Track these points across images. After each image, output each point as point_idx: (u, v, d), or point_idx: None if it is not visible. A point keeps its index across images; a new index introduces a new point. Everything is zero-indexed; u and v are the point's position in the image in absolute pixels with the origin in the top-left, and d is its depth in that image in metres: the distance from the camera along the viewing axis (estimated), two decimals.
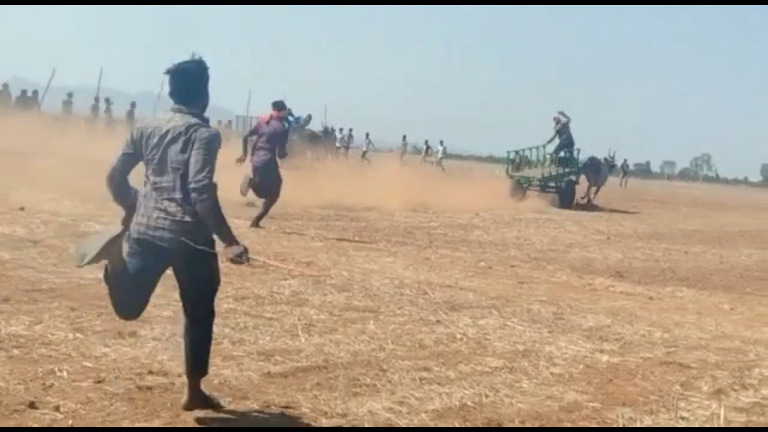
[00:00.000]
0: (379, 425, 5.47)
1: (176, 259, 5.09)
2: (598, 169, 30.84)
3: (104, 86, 41.34)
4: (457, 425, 5.60)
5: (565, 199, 28.49)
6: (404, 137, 52.21)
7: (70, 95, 39.14)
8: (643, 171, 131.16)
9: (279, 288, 9.08)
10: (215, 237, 5.06)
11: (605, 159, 32.66)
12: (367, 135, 51.25)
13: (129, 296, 5.31)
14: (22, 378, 5.58)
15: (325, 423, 5.41)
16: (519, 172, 29.76)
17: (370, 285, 9.87)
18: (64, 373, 5.74)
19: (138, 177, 5.27)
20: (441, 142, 52.90)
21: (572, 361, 7.36)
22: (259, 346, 6.83)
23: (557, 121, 29.92)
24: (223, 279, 9.12)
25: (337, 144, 46.52)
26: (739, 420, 6.20)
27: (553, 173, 29.36)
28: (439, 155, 50.91)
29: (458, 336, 7.90)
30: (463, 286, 10.56)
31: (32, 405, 5.11)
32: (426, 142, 54.67)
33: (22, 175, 17.56)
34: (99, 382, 5.65)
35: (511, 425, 5.71)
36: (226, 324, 7.26)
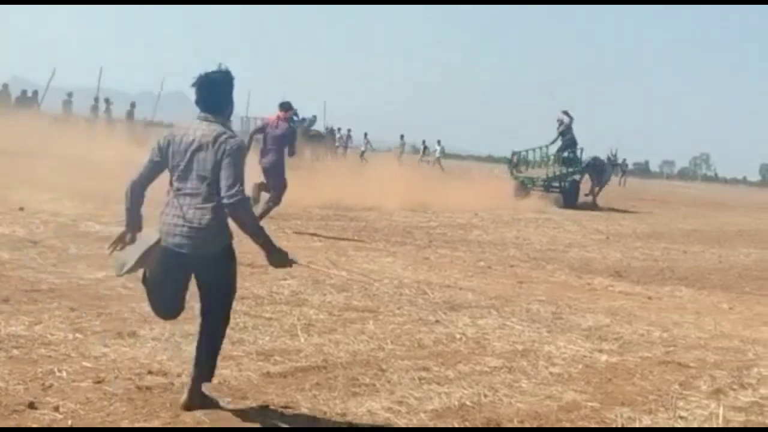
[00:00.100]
0: (379, 425, 5.48)
1: (194, 264, 5.18)
2: (602, 170, 30.92)
3: (104, 86, 41.35)
4: (456, 425, 5.61)
5: (569, 199, 28.60)
6: (402, 137, 52.19)
7: (70, 95, 39.12)
8: (642, 170, 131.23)
9: (278, 288, 9.08)
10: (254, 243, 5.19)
11: (608, 158, 32.70)
12: (366, 135, 51.28)
13: (164, 298, 5.43)
14: (21, 378, 5.58)
15: (324, 423, 5.42)
16: (523, 172, 29.85)
17: (370, 285, 9.87)
18: (64, 374, 5.75)
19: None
20: (438, 142, 52.89)
21: (571, 361, 7.37)
22: (258, 346, 6.84)
23: (560, 122, 29.95)
24: None
25: (336, 144, 46.54)
26: (738, 419, 6.22)
27: (557, 173, 29.43)
28: (437, 155, 50.89)
29: (457, 336, 7.91)
30: (462, 286, 10.57)
31: (32, 405, 5.12)
32: (423, 142, 54.70)
33: (21, 175, 17.54)
34: (98, 382, 5.66)
35: (510, 425, 5.72)
36: None
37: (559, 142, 30.05)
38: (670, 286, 12.58)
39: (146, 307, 7.65)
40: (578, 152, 30.14)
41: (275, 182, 14.40)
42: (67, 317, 7.18)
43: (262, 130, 15.06)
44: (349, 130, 50.33)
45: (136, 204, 5.31)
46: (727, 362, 7.78)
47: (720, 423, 6.11)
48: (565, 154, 29.77)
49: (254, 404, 5.57)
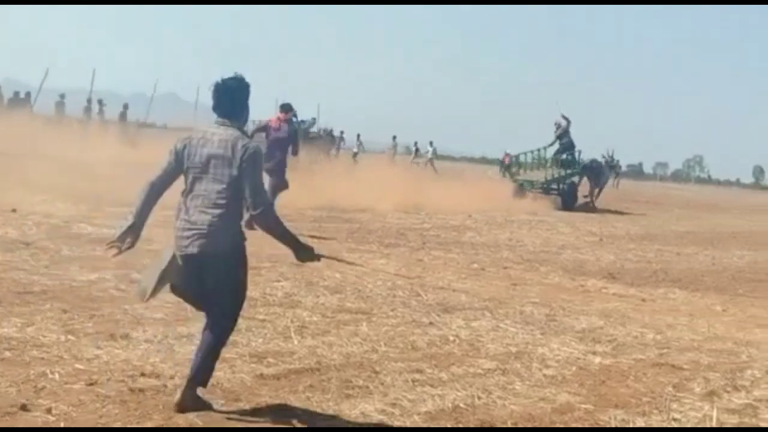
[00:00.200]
0: (372, 427, 5.47)
1: (203, 265, 5.25)
2: (600, 172, 31.08)
3: (97, 88, 41.36)
4: (450, 427, 5.60)
5: (568, 202, 28.75)
6: (394, 138, 52.18)
7: (62, 96, 39.04)
8: (636, 172, 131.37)
9: (272, 290, 9.07)
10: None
11: (606, 161, 32.82)
12: (358, 136, 51.29)
13: (194, 301, 5.59)
14: (13, 380, 5.56)
15: (317, 425, 5.41)
16: (522, 175, 30.02)
17: (363, 287, 9.87)
18: (56, 376, 5.73)
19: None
20: (431, 143, 52.92)
21: (565, 363, 7.37)
22: (251, 348, 6.83)
23: (558, 125, 30.20)
24: None
25: (334, 146, 46.53)
26: (732, 421, 6.22)
27: (556, 176, 29.57)
28: (429, 156, 50.90)
29: (451, 338, 7.90)
30: (455, 288, 10.56)
31: (24, 407, 5.10)
32: (415, 143, 54.72)
33: (14, 177, 17.50)
34: (91, 384, 5.64)
35: (503, 427, 5.71)
36: None
37: (556, 145, 30.22)
38: (663, 288, 12.59)
39: (139, 309, 7.69)
40: (576, 154, 30.28)
41: (275, 182, 14.48)
42: (59, 319, 7.16)
43: (263, 129, 15.11)
44: (341, 132, 50.35)
45: (149, 204, 5.36)
46: (720, 364, 7.79)
47: (714, 425, 6.12)
48: (563, 156, 29.86)
49: (247, 406, 5.56)
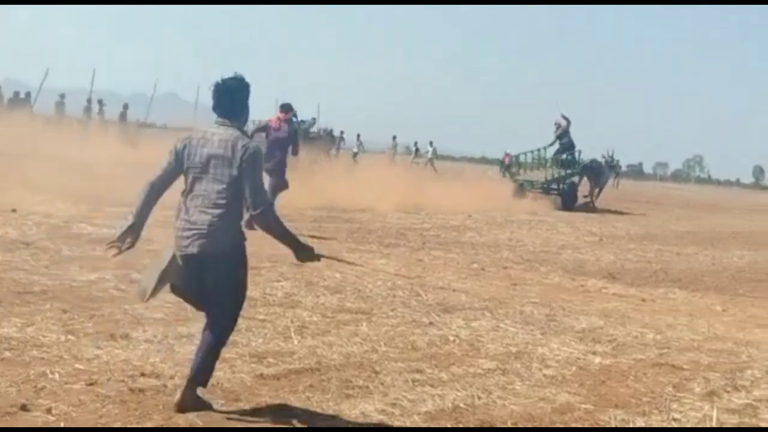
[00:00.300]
0: (372, 427, 5.47)
1: (203, 265, 5.26)
2: (600, 172, 31.17)
3: (97, 88, 41.37)
4: (450, 427, 5.60)
5: (568, 201, 28.82)
6: (394, 138, 52.19)
7: (62, 96, 39.03)
8: (636, 172, 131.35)
9: (272, 290, 9.07)
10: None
11: (606, 161, 32.90)
12: (358, 136, 51.30)
13: (194, 301, 5.60)
14: (13, 380, 5.56)
15: (317, 425, 5.41)
16: (522, 175, 30.13)
17: (363, 287, 9.87)
18: (56, 376, 5.73)
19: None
20: (431, 143, 52.94)
21: (565, 363, 7.36)
22: (251, 348, 6.83)
23: (558, 125, 30.31)
24: None
25: (334, 146, 46.54)
26: (732, 421, 6.22)
27: (556, 176, 29.64)
28: (429, 156, 50.90)
29: (451, 338, 7.90)
30: (455, 288, 10.56)
31: (24, 407, 5.10)
32: (415, 143, 54.74)
33: (14, 177, 17.50)
34: (91, 384, 5.64)
35: (503, 427, 5.71)
36: None
37: (556, 146, 30.32)
38: (663, 288, 12.59)
39: (139, 308, 7.70)
40: (576, 154, 30.37)
41: (275, 181, 14.51)
42: (59, 319, 7.16)
43: (263, 129, 15.13)
44: (341, 132, 50.34)
45: (149, 204, 5.36)
46: (720, 364, 7.79)
47: (714, 425, 6.12)
48: (564, 156, 29.92)
49: (247, 406, 5.56)
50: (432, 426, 5.60)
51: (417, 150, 53.19)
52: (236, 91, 5.41)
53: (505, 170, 49.64)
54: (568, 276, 12.98)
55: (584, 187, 30.92)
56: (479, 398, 6.16)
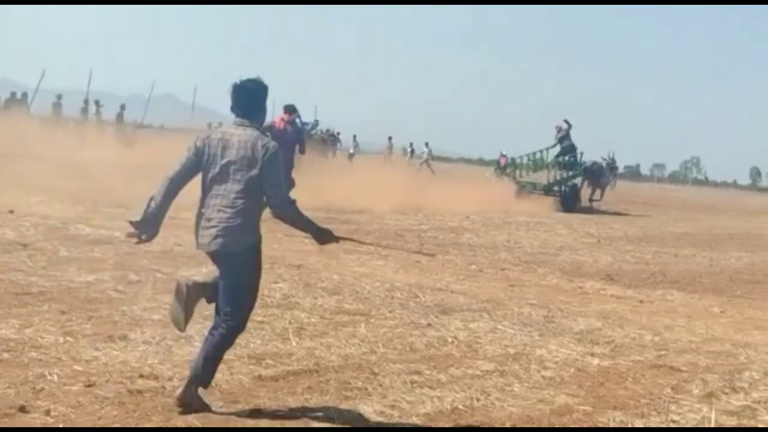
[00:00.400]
0: (371, 428, 5.47)
1: (219, 261, 5.41)
2: (600, 174, 31.39)
3: (94, 89, 41.34)
4: (449, 427, 5.60)
5: (570, 203, 29.02)
6: (390, 138, 52.23)
7: (59, 97, 39.02)
8: (633, 173, 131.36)
9: (270, 291, 9.06)
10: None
11: (607, 163, 33.11)
12: (354, 137, 51.32)
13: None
14: (12, 382, 5.56)
15: (315, 426, 5.40)
16: (525, 177, 30.38)
17: (361, 288, 9.86)
18: (55, 377, 5.72)
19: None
20: (426, 144, 53.01)
21: (563, 365, 7.37)
22: (250, 350, 6.82)
23: (559, 128, 30.63)
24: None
25: (337, 148, 46.63)
26: (730, 423, 6.22)
27: (558, 178, 29.82)
28: (425, 157, 50.94)
29: (449, 339, 7.90)
30: (453, 290, 10.56)
31: (22, 409, 5.10)
32: (410, 144, 54.81)
33: (11, 178, 17.48)
34: (89, 386, 5.63)
35: (502, 427, 5.71)
36: None
37: (557, 148, 30.60)
38: (661, 289, 12.59)
39: (137, 310, 7.70)
40: (578, 156, 30.65)
41: None
42: (57, 320, 7.15)
43: (269, 129, 15.16)
44: (338, 133, 50.35)
45: (168, 198, 5.44)
46: (718, 366, 7.79)
47: (712, 426, 6.12)
48: (565, 158, 30.10)
49: (246, 408, 5.56)
50: (431, 426, 5.60)
51: (412, 151, 53.24)
52: (255, 92, 5.52)
53: (501, 171, 49.72)
54: (566, 277, 12.98)
55: (585, 190, 31.09)
56: (478, 400, 6.16)
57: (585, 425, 5.92)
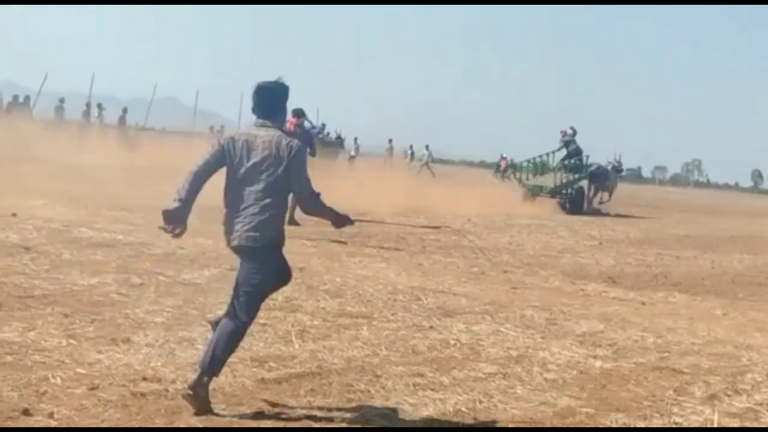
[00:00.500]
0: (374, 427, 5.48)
1: (240, 255, 5.59)
2: (605, 177, 31.63)
3: (96, 92, 41.37)
4: (451, 428, 5.61)
5: (576, 206, 29.29)
6: (390, 141, 52.27)
7: (62, 101, 39.04)
8: (635, 176, 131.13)
9: (272, 294, 9.05)
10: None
11: (613, 166, 33.30)
12: (356, 140, 51.32)
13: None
14: (15, 385, 5.57)
15: (318, 428, 5.41)
16: (531, 180, 30.66)
17: (364, 291, 9.87)
18: (58, 380, 5.73)
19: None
20: (426, 147, 53.04)
21: (566, 367, 7.37)
22: (252, 353, 6.83)
23: (564, 133, 31.10)
24: (215, 284, 9.18)
25: (343, 150, 46.60)
26: (733, 425, 6.22)
27: (564, 181, 30.07)
28: (425, 159, 50.96)
29: (452, 342, 7.90)
30: (456, 292, 10.56)
31: (26, 412, 5.11)
32: (410, 146, 54.86)
33: (14, 181, 17.52)
34: (93, 388, 5.64)
35: (505, 427, 5.72)
36: None
37: (563, 152, 30.97)
38: (663, 291, 12.58)
39: (140, 313, 7.71)
40: (584, 159, 30.98)
41: None
42: (60, 323, 7.16)
43: None
44: (343, 136, 50.32)
45: (193, 191, 5.55)
46: (721, 368, 7.79)
47: (715, 426, 6.12)
48: (571, 161, 30.33)
49: (249, 410, 5.57)
50: (434, 428, 5.61)
51: (413, 153, 53.30)
52: (276, 92, 5.70)
53: (501, 174, 49.75)
54: (569, 280, 12.98)
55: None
56: (480, 402, 6.17)
57: (587, 427, 5.92)
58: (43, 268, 9.36)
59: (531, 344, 8.08)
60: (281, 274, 5.76)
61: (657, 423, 6.11)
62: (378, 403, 5.95)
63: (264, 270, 5.55)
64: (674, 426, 6.10)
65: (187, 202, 5.52)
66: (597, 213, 29.63)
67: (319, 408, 5.75)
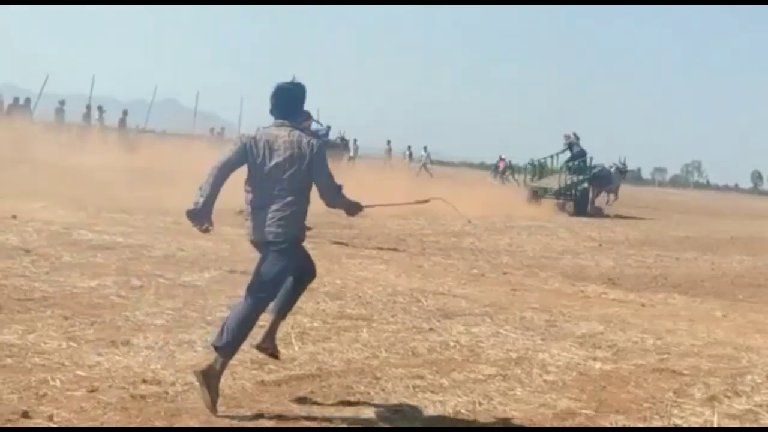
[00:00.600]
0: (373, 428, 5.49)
1: (263, 248, 5.74)
2: (608, 180, 32.28)
3: (96, 94, 41.40)
4: (451, 428, 5.62)
5: (580, 207, 29.56)
6: (389, 142, 52.31)
7: (62, 103, 39.07)
8: (634, 177, 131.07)
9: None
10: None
11: (617, 167, 33.62)
12: (355, 141, 51.36)
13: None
14: (15, 387, 5.57)
15: (318, 428, 5.41)
16: (536, 182, 30.93)
17: (363, 293, 9.87)
18: (58, 383, 5.73)
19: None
20: (425, 148, 53.10)
21: (565, 369, 7.37)
22: (252, 355, 6.80)
23: (567, 137, 31.40)
24: (215, 287, 9.20)
25: (349, 152, 46.63)
26: (732, 427, 6.22)
27: (569, 182, 30.28)
28: (423, 160, 51.01)
29: (451, 344, 7.90)
30: (455, 294, 10.57)
31: (25, 414, 5.11)
32: (409, 147, 54.90)
33: (14, 183, 17.53)
34: (92, 391, 5.64)
35: (504, 427, 5.73)
36: None
37: (567, 154, 31.27)
38: (663, 293, 12.58)
39: (140, 315, 7.71)
40: (588, 161, 31.30)
41: None
42: (60, 326, 7.16)
43: None
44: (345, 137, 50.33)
45: (216, 187, 5.67)
46: (720, 370, 7.79)
47: (715, 427, 6.13)
48: (575, 163, 30.52)
49: (249, 413, 5.57)
50: (434, 427, 5.61)
51: (410, 154, 53.38)
52: (293, 93, 5.87)
53: (500, 175, 49.82)
54: (568, 281, 12.98)
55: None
56: (480, 404, 6.17)
57: (587, 428, 5.93)
58: (43, 271, 9.37)
59: (531, 346, 8.09)
60: (305, 269, 5.98)
61: (657, 424, 6.11)
62: (378, 405, 5.95)
63: (285, 264, 5.71)
64: (674, 427, 6.10)
65: (210, 197, 5.63)
66: (597, 214, 29.65)
67: (319, 410, 5.75)
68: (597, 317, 9.83)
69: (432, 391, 6.36)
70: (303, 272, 5.99)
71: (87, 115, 39.28)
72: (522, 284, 12.20)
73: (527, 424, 5.88)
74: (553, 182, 30.32)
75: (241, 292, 8.80)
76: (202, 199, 5.61)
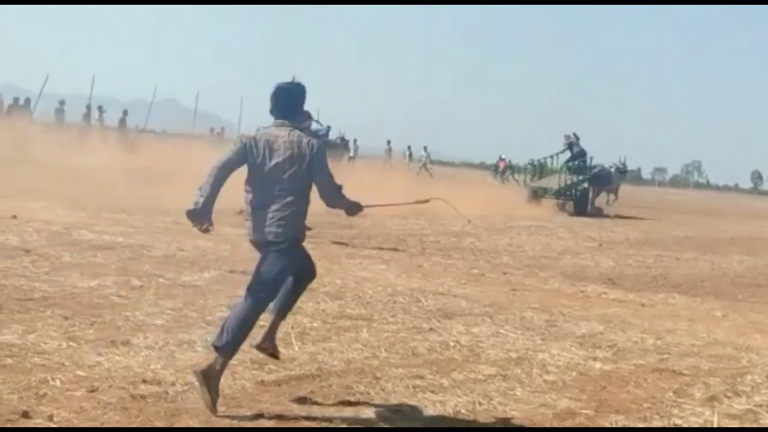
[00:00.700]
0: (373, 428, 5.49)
1: (263, 248, 5.74)
2: (608, 180, 32.37)
3: (96, 94, 41.41)
4: (451, 427, 5.62)
5: (581, 207, 29.61)
6: (389, 142, 52.34)
7: (62, 103, 39.07)
8: (634, 177, 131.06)
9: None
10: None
11: (617, 168, 33.68)
12: (355, 141, 51.38)
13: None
14: (15, 387, 5.57)
15: (318, 428, 5.41)
16: (536, 182, 31.01)
17: (363, 293, 9.87)
18: (58, 383, 5.73)
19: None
20: (425, 148, 53.12)
21: (565, 369, 7.37)
22: (252, 355, 6.80)
23: (568, 137, 31.47)
24: (215, 287, 9.20)
25: (349, 153, 46.64)
26: (732, 427, 6.22)
27: (569, 182, 30.34)
28: (423, 160, 51.04)
29: (451, 344, 7.90)
30: (455, 294, 10.57)
31: (25, 414, 5.11)
32: (408, 147, 54.92)
33: (14, 183, 17.52)
34: (92, 391, 5.64)
35: (505, 428, 5.73)
36: None
37: (567, 154, 31.34)
38: (663, 293, 12.58)
39: (140, 315, 7.71)
40: (588, 161, 31.36)
41: None
42: (60, 326, 7.16)
43: None
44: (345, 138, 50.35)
45: (216, 187, 5.67)
46: (720, 370, 7.79)
47: (715, 427, 6.13)
48: (575, 163, 30.57)
49: (248, 413, 5.57)
50: (434, 427, 5.61)
51: (410, 154, 53.42)
52: (293, 93, 5.87)
53: (500, 175, 49.84)
54: (568, 281, 12.98)
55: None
56: (480, 404, 6.17)
57: (587, 428, 5.93)
58: (43, 271, 9.37)
59: (531, 346, 8.09)
60: (305, 269, 5.98)
61: (657, 424, 6.11)
62: (378, 405, 5.95)
63: (285, 264, 5.71)
64: (674, 427, 6.10)
65: (210, 197, 5.63)
66: (597, 214, 29.66)
67: (319, 410, 5.75)
68: (597, 317, 9.83)
69: (432, 391, 6.36)
70: (303, 272, 5.98)
71: (87, 115, 39.27)
72: (522, 284, 12.20)
73: (527, 424, 5.89)
74: (553, 182, 30.34)
75: (241, 292, 8.81)
76: (202, 199, 5.60)
